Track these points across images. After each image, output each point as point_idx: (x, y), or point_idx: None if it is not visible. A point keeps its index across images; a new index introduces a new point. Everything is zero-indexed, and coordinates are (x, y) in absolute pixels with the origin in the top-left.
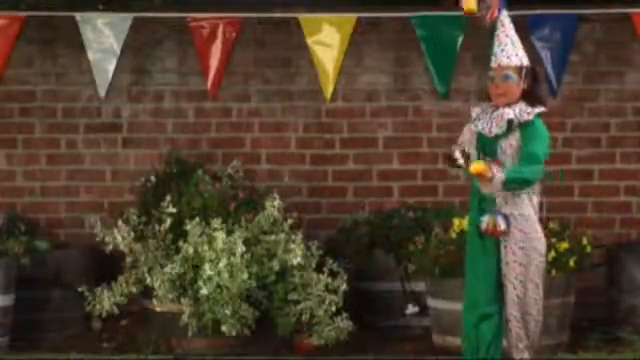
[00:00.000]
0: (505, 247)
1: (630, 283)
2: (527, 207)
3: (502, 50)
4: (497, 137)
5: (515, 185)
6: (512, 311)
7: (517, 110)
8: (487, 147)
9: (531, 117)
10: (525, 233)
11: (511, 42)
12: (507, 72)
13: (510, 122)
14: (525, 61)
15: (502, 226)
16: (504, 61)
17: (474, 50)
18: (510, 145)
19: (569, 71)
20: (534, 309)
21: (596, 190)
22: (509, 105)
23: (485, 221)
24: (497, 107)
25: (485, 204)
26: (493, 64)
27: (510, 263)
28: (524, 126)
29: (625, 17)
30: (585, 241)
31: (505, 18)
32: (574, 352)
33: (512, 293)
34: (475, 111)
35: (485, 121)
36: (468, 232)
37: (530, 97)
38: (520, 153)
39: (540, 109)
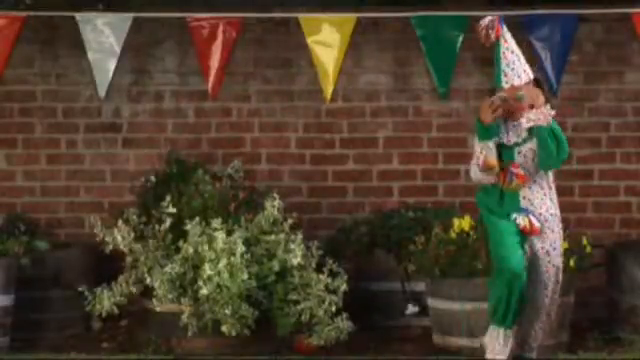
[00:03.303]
0: (540, 249)
1: (630, 283)
2: (554, 205)
3: (512, 70)
4: (516, 144)
5: (551, 143)
6: (542, 311)
7: (532, 115)
8: (506, 155)
9: (550, 119)
10: (556, 233)
11: (517, 58)
12: (519, 92)
13: (530, 129)
14: (531, 74)
15: (537, 224)
16: (517, 81)
17: (474, 50)
18: (531, 149)
19: (569, 71)
20: (554, 311)
21: (596, 190)
22: (520, 117)
23: (521, 221)
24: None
25: (510, 204)
26: (504, 84)
27: (544, 265)
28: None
29: (625, 17)
30: (585, 241)
31: (506, 33)
32: (574, 352)
33: (543, 293)
34: (511, 125)
35: (500, 131)
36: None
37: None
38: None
39: (553, 111)
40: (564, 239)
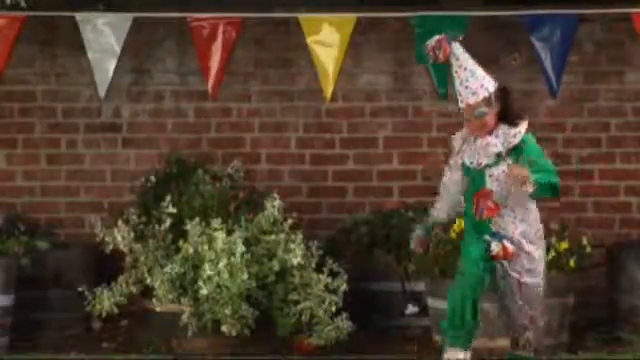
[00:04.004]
0: (512, 271)
1: (630, 283)
2: (528, 226)
3: (466, 87)
4: (487, 166)
5: (544, 191)
6: (520, 324)
7: (501, 137)
8: (476, 178)
9: (518, 140)
10: (533, 254)
11: (471, 74)
12: (478, 109)
13: (499, 154)
14: (491, 87)
15: (510, 248)
16: (471, 99)
17: (474, 50)
18: (503, 171)
19: (569, 71)
20: (540, 321)
21: (596, 190)
22: (490, 132)
23: (495, 247)
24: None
25: (483, 228)
26: (461, 104)
27: (515, 285)
28: (515, 149)
29: (625, 17)
30: (585, 241)
31: (457, 49)
32: (574, 352)
33: (518, 312)
34: (457, 143)
35: (471, 153)
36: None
37: (507, 117)
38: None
39: (523, 125)
40: (564, 239)
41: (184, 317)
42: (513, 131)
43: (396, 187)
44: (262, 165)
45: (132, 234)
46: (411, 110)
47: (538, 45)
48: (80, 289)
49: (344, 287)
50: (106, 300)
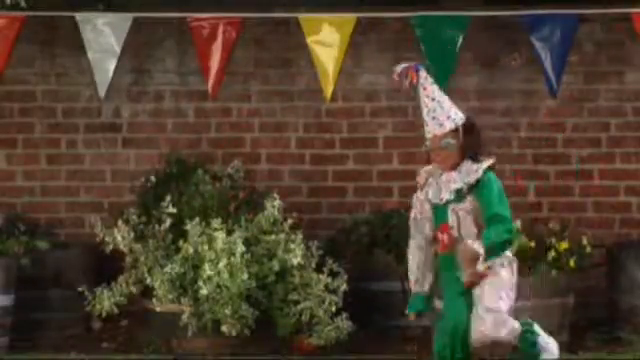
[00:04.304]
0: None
1: (630, 283)
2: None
3: (433, 118)
4: (448, 202)
5: (497, 252)
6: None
7: (463, 173)
8: (439, 213)
9: (479, 175)
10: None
11: (439, 105)
12: (444, 140)
13: (459, 190)
14: (458, 120)
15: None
16: (438, 130)
17: (474, 50)
18: (464, 209)
19: (569, 71)
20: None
21: (596, 190)
22: (454, 167)
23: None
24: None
25: (449, 266)
26: (427, 134)
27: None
28: (476, 185)
29: (625, 17)
30: (585, 241)
31: (425, 80)
32: (574, 352)
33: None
34: (422, 177)
35: (434, 188)
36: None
37: (471, 151)
38: (484, 216)
39: (487, 162)
40: (564, 239)
41: (184, 317)
42: (475, 167)
43: (396, 187)
44: (262, 165)
45: (132, 234)
46: (411, 110)
47: (538, 45)
48: (80, 289)
49: (344, 287)
50: (106, 300)
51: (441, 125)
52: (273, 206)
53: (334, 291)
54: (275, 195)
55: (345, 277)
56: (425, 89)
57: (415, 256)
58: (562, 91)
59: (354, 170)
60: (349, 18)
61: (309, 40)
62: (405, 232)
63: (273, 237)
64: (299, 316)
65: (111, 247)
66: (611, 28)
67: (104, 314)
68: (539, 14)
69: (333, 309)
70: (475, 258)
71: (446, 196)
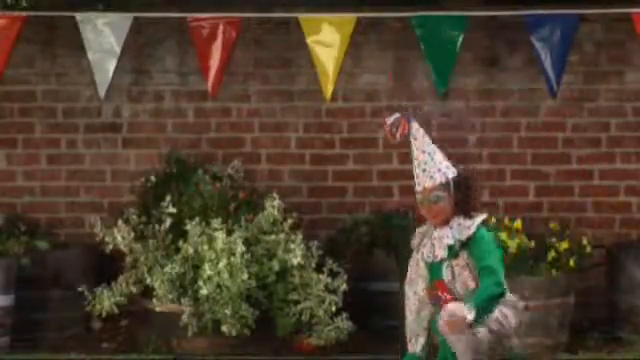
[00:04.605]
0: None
1: (630, 283)
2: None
3: (424, 170)
4: (443, 259)
5: (486, 309)
6: None
7: (455, 229)
8: (434, 270)
9: (471, 232)
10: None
11: (430, 158)
12: (434, 193)
13: (451, 246)
14: (449, 173)
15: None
16: (429, 183)
17: (474, 50)
18: (458, 265)
19: (569, 71)
20: None
21: (596, 190)
22: (447, 222)
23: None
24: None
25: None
26: (418, 187)
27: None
28: (469, 241)
29: (625, 17)
30: (585, 241)
31: (417, 131)
32: (574, 352)
33: None
34: (417, 239)
35: (428, 247)
36: None
37: (464, 207)
38: (478, 270)
39: (480, 218)
40: (564, 239)
41: (184, 317)
42: (468, 223)
43: (396, 187)
44: (262, 165)
45: (132, 234)
46: (411, 110)
47: (538, 45)
48: (80, 289)
49: (344, 287)
50: (106, 300)
51: (431, 178)
52: (273, 206)
53: (334, 291)
54: (275, 195)
55: (345, 277)
56: (416, 140)
57: (408, 317)
58: (562, 91)
59: (354, 170)
60: (349, 18)
61: (309, 40)
62: (405, 232)
63: (273, 237)
64: (299, 316)
65: (111, 247)
66: (611, 28)
67: (104, 314)
68: (539, 14)
69: (333, 309)
70: (460, 324)
71: (440, 253)
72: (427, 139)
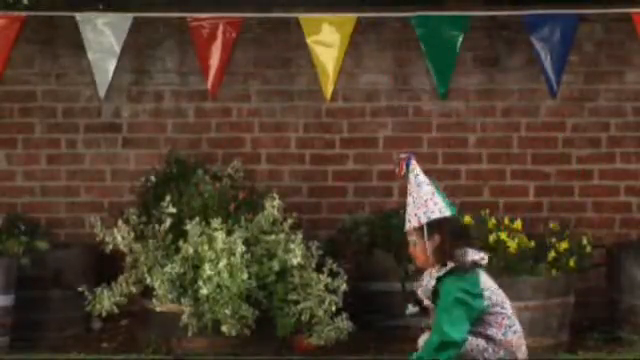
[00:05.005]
0: None
1: (630, 283)
2: None
3: (406, 213)
4: (432, 301)
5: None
6: None
7: (428, 278)
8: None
9: (433, 283)
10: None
11: (412, 201)
12: (410, 237)
13: (434, 292)
14: (423, 218)
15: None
16: (406, 226)
17: (474, 50)
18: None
19: (569, 71)
20: None
21: (596, 190)
22: (433, 265)
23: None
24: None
25: None
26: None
27: None
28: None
29: (625, 17)
30: (585, 241)
31: (410, 173)
32: (574, 352)
33: None
34: (424, 278)
35: (423, 288)
36: None
37: (439, 255)
38: None
39: (448, 266)
40: (564, 239)
41: (184, 317)
42: (436, 274)
43: (396, 187)
44: (262, 165)
45: (132, 234)
46: (411, 110)
47: (538, 45)
48: (80, 289)
49: (344, 287)
50: (106, 300)
51: (408, 221)
52: (273, 206)
53: (334, 291)
54: (275, 195)
55: (345, 277)
56: (410, 183)
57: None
58: (562, 91)
59: (354, 170)
60: (349, 18)
61: (309, 40)
62: (405, 232)
63: (273, 237)
64: (299, 316)
65: (111, 247)
66: (611, 28)
67: (104, 314)
68: (539, 14)
69: (333, 309)
70: None
71: (424, 297)
72: (415, 183)
